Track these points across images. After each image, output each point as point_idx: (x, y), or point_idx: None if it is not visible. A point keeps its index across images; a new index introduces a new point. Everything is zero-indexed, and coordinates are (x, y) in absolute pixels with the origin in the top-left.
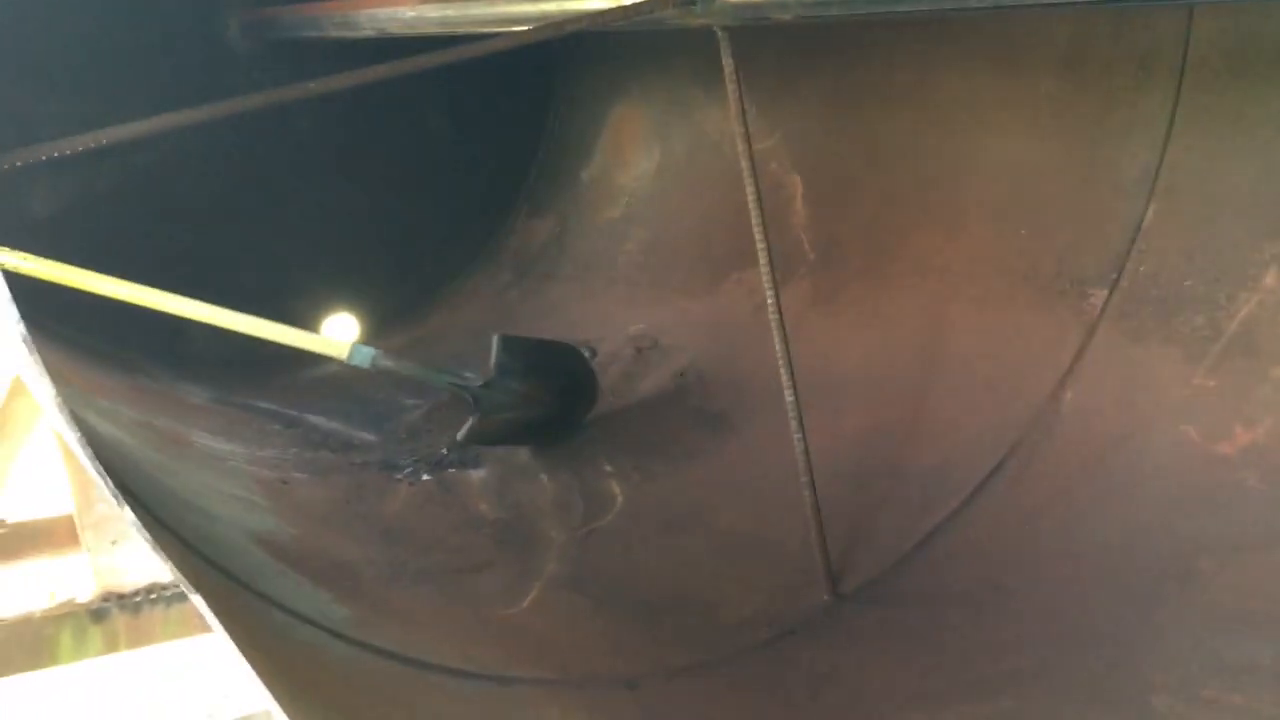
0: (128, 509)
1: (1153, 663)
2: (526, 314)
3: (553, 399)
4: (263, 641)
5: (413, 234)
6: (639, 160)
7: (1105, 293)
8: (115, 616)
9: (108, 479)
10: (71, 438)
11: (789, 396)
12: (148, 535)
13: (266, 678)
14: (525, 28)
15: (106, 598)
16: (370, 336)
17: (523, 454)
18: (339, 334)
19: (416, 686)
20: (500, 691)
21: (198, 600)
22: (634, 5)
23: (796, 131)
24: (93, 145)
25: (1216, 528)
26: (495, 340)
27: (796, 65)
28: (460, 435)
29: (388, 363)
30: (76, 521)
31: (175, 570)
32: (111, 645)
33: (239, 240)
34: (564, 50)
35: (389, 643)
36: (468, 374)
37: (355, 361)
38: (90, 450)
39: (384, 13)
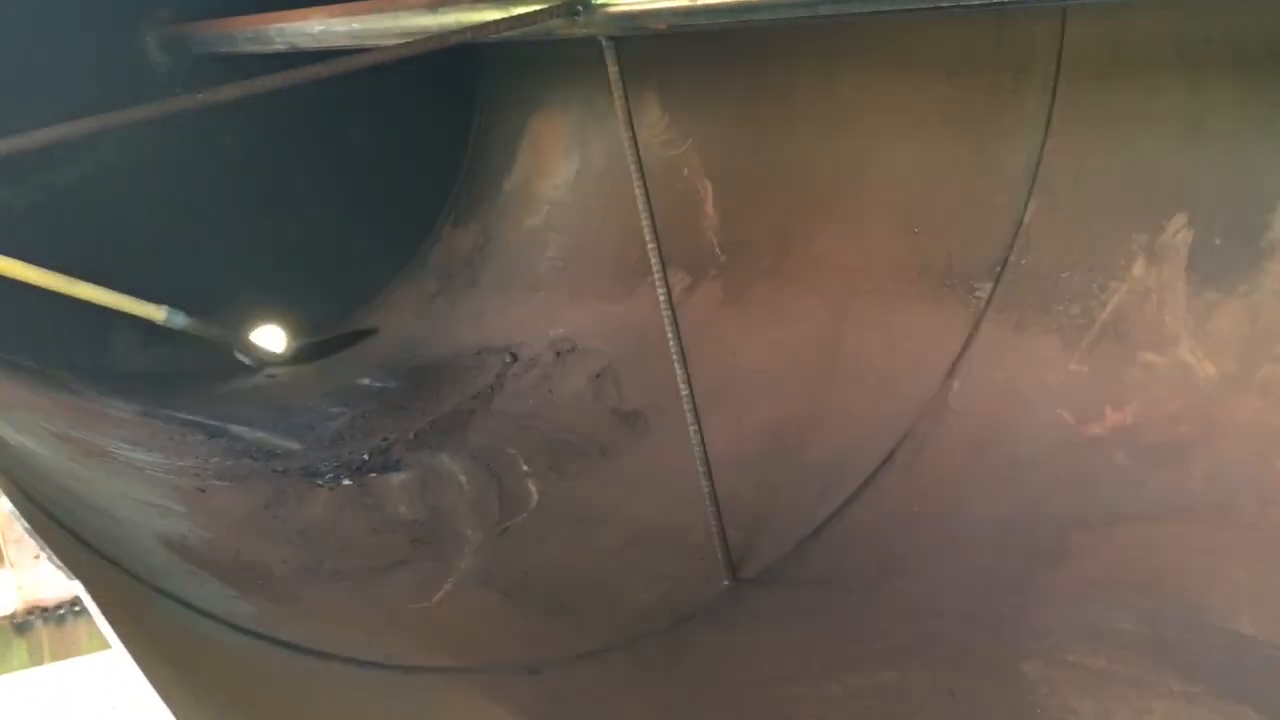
0: (3, 497)
1: (1024, 633)
2: (451, 321)
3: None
4: (152, 631)
5: (339, 246)
6: (559, 169)
7: (990, 286)
8: (39, 629)
9: None
10: None
11: (684, 389)
12: (24, 521)
13: (144, 663)
14: (407, 40)
15: (30, 611)
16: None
17: (443, 458)
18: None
19: (316, 676)
20: (402, 679)
21: (76, 585)
22: (519, 16)
23: (707, 138)
24: None
25: (1088, 504)
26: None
27: (707, 74)
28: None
29: (186, 321)
30: (0, 537)
31: (49, 550)
32: (36, 658)
33: (162, 257)
34: (485, 62)
35: (292, 636)
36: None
37: (170, 323)
38: None
39: (292, 27)
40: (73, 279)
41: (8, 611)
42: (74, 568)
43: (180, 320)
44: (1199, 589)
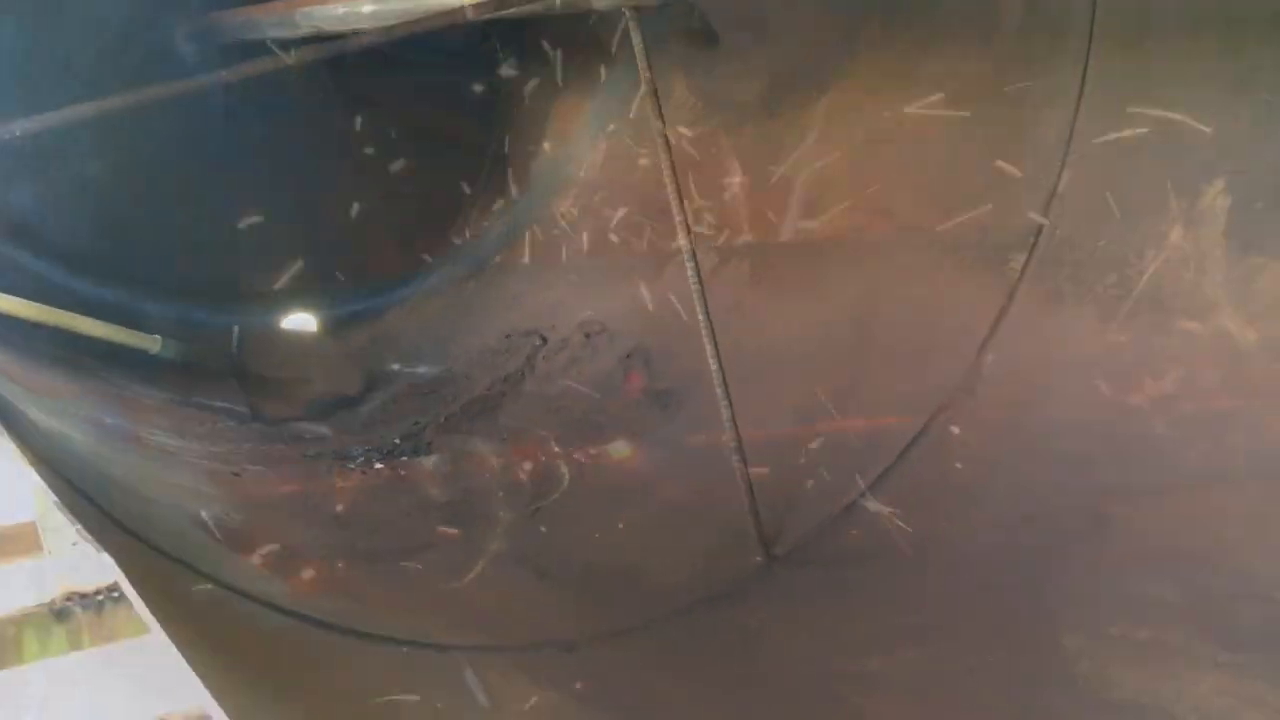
0: (32, 471)
1: (1064, 605)
2: (482, 307)
3: None
4: (186, 609)
5: (370, 233)
6: (586, 151)
7: (1024, 257)
8: (78, 615)
9: (13, 436)
10: None
11: (714, 367)
12: (55, 495)
13: (178, 639)
14: (397, 20)
15: (69, 597)
16: (329, 335)
17: (475, 440)
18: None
19: (352, 654)
20: (438, 658)
21: (106, 559)
22: None
23: (733, 115)
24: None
25: (1127, 475)
26: None
27: (732, 50)
28: None
29: (178, 350)
30: (39, 525)
31: (79, 525)
32: (75, 643)
33: (193, 245)
34: (510, 44)
35: (327, 615)
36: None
37: (164, 353)
38: None
39: (318, 10)
40: (73, 315)
41: (47, 598)
42: (107, 547)
43: (173, 350)
44: (1244, 558)
